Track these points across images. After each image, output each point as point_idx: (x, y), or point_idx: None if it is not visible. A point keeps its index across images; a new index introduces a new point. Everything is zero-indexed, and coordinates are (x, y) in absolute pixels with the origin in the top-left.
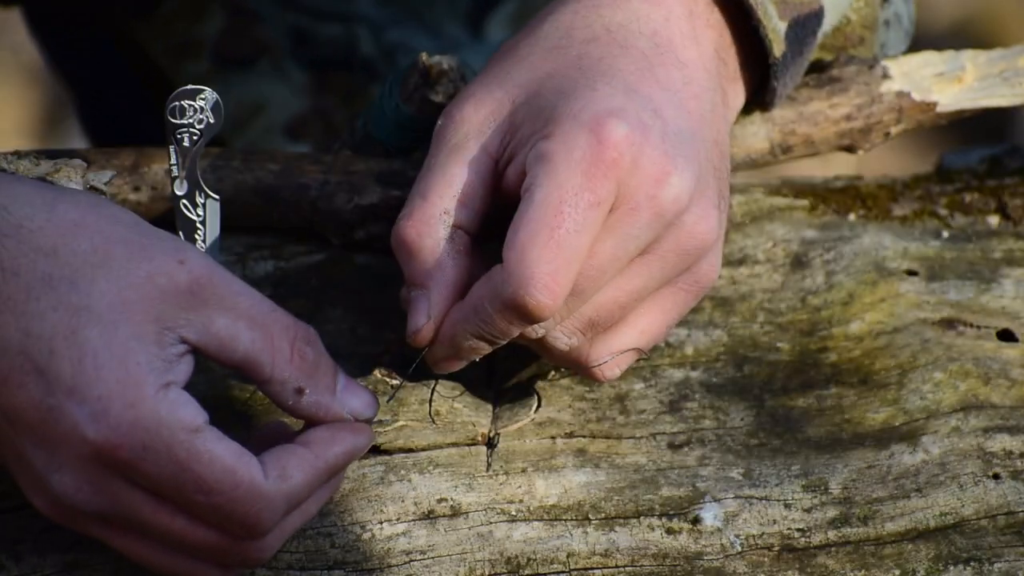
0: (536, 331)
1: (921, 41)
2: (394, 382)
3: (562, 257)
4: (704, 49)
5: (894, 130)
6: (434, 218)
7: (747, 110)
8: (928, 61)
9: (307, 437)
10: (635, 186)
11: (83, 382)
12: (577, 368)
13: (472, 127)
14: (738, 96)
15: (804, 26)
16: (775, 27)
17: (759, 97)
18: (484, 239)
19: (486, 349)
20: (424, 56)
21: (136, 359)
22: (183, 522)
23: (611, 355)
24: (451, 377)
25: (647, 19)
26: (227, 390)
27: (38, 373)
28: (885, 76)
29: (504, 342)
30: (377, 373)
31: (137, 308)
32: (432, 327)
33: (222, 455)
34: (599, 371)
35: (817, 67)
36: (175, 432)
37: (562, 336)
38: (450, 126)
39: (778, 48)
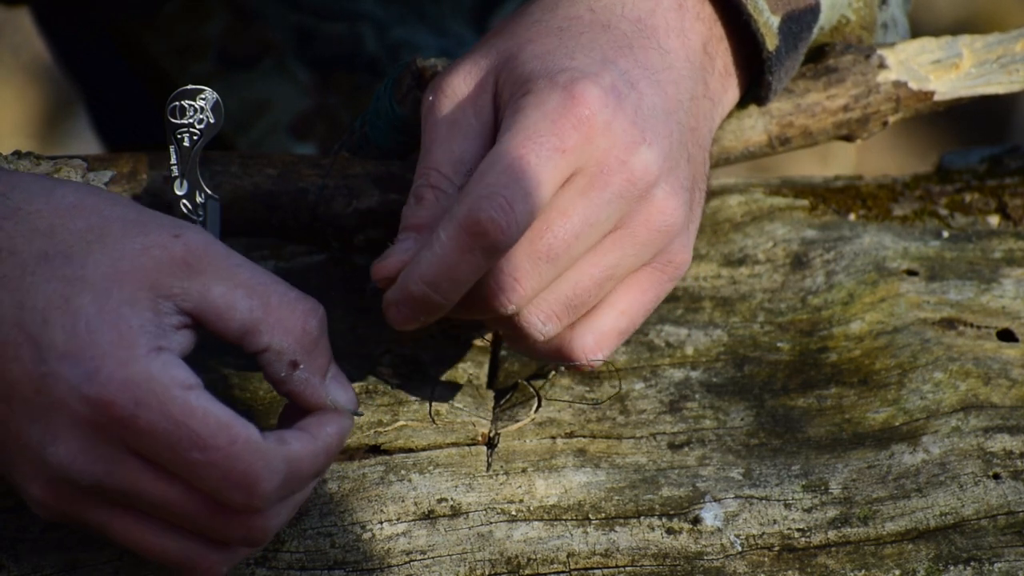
0: (506, 306)
1: None
2: (394, 381)
3: (520, 184)
4: (689, 41)
5: (892, 119)
6: (444, 181)
7: (743, 103)
8: (925, 47)
9: (298, 424)
10: (606, 149)
11: (76, 346)
12: (561, 358)
13: (466, 100)
14: (728, 92)
15: (799, 21)
16: (767, 21)
17: (754, 91)
18: None
19: (437, 301)
20: (417, 58)
21: (128, 323)
22: (180, 490)
23: (594, 337)
24: (451, 377)
25: (633, 6)
26: (228, 392)
27: (31, 343)
28: (882, 66)
29: (456, 297)
30: (377, 373)
31: (130, 277)
32: (399, 263)
33: (217, 412)
34: (582, 355)
35: (814, 55)
36: (168, 388)
37: (537, 321)
38: (443, 100)
39: (771, 42)
